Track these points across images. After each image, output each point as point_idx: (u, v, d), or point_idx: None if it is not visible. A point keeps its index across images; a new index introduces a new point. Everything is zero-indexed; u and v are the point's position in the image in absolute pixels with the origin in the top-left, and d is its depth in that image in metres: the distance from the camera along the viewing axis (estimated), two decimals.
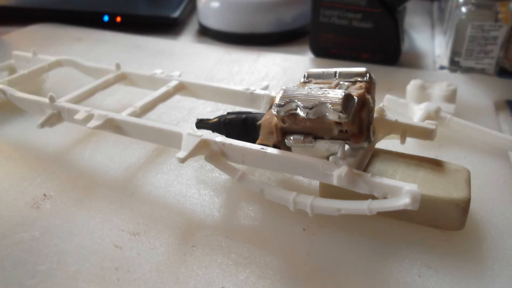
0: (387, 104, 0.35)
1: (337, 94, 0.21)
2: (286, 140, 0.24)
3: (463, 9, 0.43)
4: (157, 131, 0.27)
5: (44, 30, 0.56)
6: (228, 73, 0.45)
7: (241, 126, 0.28)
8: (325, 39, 0.47)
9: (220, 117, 0.29)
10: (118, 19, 0.58)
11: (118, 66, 0.36)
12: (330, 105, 0.21)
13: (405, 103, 0.35)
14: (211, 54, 0.50)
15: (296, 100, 0.22)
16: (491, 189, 0.28)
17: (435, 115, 0.33)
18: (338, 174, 0.22)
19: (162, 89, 0.33)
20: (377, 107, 0.27)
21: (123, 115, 0.28)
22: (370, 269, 0.23)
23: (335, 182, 0.22)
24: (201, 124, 0.30)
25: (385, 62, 0.46)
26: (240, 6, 0.52)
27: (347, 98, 0.21)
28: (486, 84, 0.42)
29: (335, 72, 0.25)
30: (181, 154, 0.24)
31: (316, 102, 0.21)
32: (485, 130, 0.32)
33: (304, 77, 0.26)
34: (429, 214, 0.24)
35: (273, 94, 0.31)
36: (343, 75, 0.25)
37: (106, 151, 0.32)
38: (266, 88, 0.33)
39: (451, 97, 0.35)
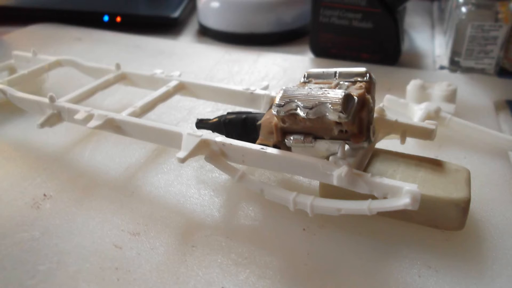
0: (387, 104, 0.35)
1: (337, 94, 0.21)
2: (286, 140, 0.24)
3: (463, 9, 0.43)
4: (157, 131, 0.27)
5: (44, 30, 0.56)
6: (228, 73, 0.45)
7: (241, 126, 0.28)
8: (325, 39, 0.47)
9: (220, 117, 0.29)
10: (118, 19, 0.58)
11: (118, 66, 0.36)
12: (330, 105, 0.21)
13: (405, 103, 0.35)
14: (211, 54, 0.50)
15: (296, 100, 0.22)
16: (491, 189, 0.28)
17: (435, 115, 0.33)
18: (338, 174, 0.22)
19: (162, 89, 0.33)
20: (377, 107, 0.27)
21: (123, 115, 0.28)
22: (370, 269, 0.23)
23: (335, 182, 0.22)
24: (201, 124, 0.30)
25: (385, 62, 0.46)
26: (240, 6, 0.52)
27: (347, 98, 0.21)
28: (486, 84, 0.42)
29: (335, 72, 0.25)
30: (181, 154, 0.24)
31: (316, 102, 0.21)
32: (485, 130, 0.32)
33: (304, 77, 0.26)
34: (429, 214, 0.24)
35: (273, 94, 0.31)
36: (343, 75, 0.25)
37: (106, 151, 0.32)
38: (266, 88, 0.33)
39: (451, 97, 0.35)
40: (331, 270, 0.23)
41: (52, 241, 0.24)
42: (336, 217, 0.25)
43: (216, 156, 0.26)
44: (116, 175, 0.30)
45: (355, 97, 0.22)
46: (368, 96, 0.23)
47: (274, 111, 0.23)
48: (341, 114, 0.21)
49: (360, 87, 0.23)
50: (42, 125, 0.30)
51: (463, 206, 0.23)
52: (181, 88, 0.34)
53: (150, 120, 0.28)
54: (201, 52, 0.51)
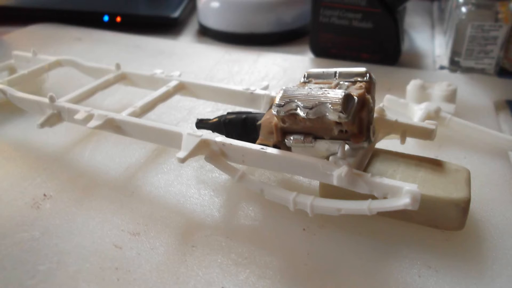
0: (387, 104, 0.35)
1: (337, 94, 0.21)
2: (286, 140, 0.24)
3: (463, 9, 0.43)
4: (157, 131, 0.27)
5: (44, 30, 0.56)
6: (228, 73, 0.45)
7: (241, 126, 0.28)
8: (325, 39, 0.47)
9: (220, 117, 0.29)
10: (118, 19, 0.58)
11: (118, 66, 0.36)
12: (330, 105, 0.21)
13: (405, 103, 0.35)
14: (211, 54, 0.50)
15: (296, 100, 0.22)
16: (491, 189, 0.28)
17: (435, 115, 0.33)
18: (338, 174, 0.22)
19: (162, 89, 0.33)
20: (377, 107, 0.27)
21: (123, 115, 0.28)
22: (370, 269, 0.23)
23: (335, 182, 0.22)
24: (201, 124, 0.30)
25: (385, 62, 0.46)
26: (240, 6, 0.52)
27: (347, 98, 0.21)
28: (486, 84, 0.42)
29: (335, 72, 0.25)
30: (181, 154, 0.24)
31: (316, 102, 0.21)
32: (485, 130, 0.32)
33: (304, 77, 0.26)
34: (429, 214, 0.24)
35: (273, 94, 0.31)
36: (343, 75, 0.25)
37: (106, 151, 0.32)
38: (266, 88, 0.33)
39: (451, 97, 0.35)
40: (331, 270, 0.23)
41: (52, 241, 0.24)
42: (336, 217, 0.25)
43: (216, 156, 0.26)
44: (116, 175, 0.30)
45: (355, 97, 0.22)
46: (368, 96, 0.23)
47: (274, 111, 0.23)
48: (341, 114, 0.21)
49: (360, 87, 0.23)
50: (42, 125, 0.30)
51: (463, 206, 0.23)
52: (181, 88, 0.34)
53: (150, 120, 0.28)
54: (201, 52, 0.51)
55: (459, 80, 0.43)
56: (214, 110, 0.38)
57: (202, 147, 0.25)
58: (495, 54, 0.43)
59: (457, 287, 0.22)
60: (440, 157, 0.28)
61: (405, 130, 0.27)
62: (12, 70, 0.40)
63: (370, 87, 0.24)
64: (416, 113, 0.33)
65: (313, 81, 0.25)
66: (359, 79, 0.24)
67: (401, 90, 0.38)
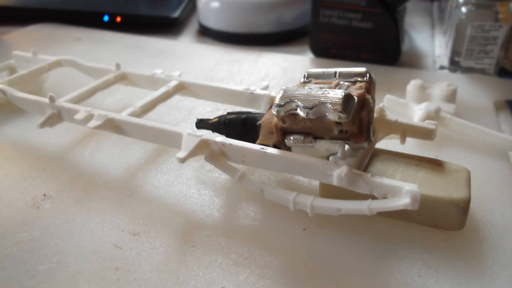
0: (387, 104, 0.35)
1: (337, 94, 0.21)
2: (286, 140, 0.24)
3: (463, 9, 0.43)
4: (157, 131, 0.27)
5: (44, 30, 0.56)
6: (228, 73, 0.45)
7: (241, 126, 0.28)
8: (325, 39, 0.47)
9: (220, 117, 0.29)
10: (118, 19, 0.58)
11: (118, 66, 0.36)
12: (330, 105, 0.21)
13: (405, 103, 0.35)
14: (211, 54, 0.50)
15: (296, 100, 0.22)
16: (491, 189, 0.28)
17: (435, 115, 0.33)
18: (338, 174, 0.22)
19: (162, 89, 0.33)
20: (377, 107, 0.27)
21: (123, 115, 0.28)
22: (370, 269, 0.23)
23: (335, 182, 0.22)
24: (201, 124, 0.30)
25: (385, 62, 0.46)
26: (240, 6, 0.52)
27: (347, 98, 0.21)
28: (486, 84, 0.42)
29: (335, 72, 0.25)
30: (181, 154, 0.24)
31: (316, 102, 0.21)
32: (485, 130, 0.32)
33: (304, 77, 0.26)
34: (429, 214, 0.24)
35: (273, 94, 0.31)
36: (343, 75, 0.25)
37: (106, 151, 0.32)
38: (266, 88, 0.33)
39: (451, 97, 0.35)
40: (331, 270, 0.23)
41: (52, 241, 0.24)
42: (336, 217, 0.25)
43: (216, 156, 0.26)
44: (116, 175, 0.30)
45: (355, 97, 0.22)
46: (368, 96, 0.23)
47: (274, 111, 0.23)
48: (341, 114, 0.21)
49: (360, 87, 0.23)
50: (42, 125, 0.30)
51: (463, 206, 0.23)
52: (181, 88, 0.34)
53: (150, 120, 0.28)
54: (201, 52, 0.51)
55: (459, 80, 0.43)
56: (214, 110, 0.38)
57: (202, 147, 0.25)
58: (495, 54, 0.43)
59: (457, 287, 0.22)
60: (440, 157, 0.28)
61: (405, 130, 0.27)
62: (12, 70, 0.40)
63: (370, 87, 0.24)
64: (416, 113, 0.33)
65: (313, 81, 0.25)
66: (359, 79, 0.24)
67: (401, 90, 0.38)
